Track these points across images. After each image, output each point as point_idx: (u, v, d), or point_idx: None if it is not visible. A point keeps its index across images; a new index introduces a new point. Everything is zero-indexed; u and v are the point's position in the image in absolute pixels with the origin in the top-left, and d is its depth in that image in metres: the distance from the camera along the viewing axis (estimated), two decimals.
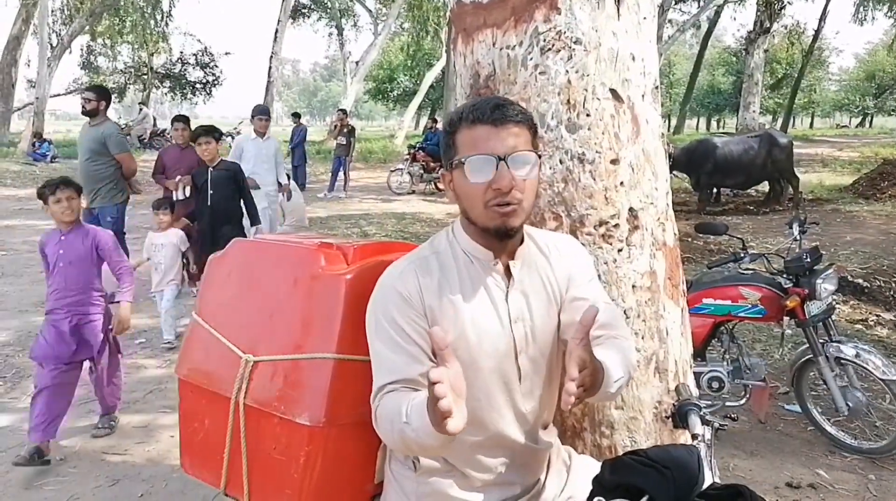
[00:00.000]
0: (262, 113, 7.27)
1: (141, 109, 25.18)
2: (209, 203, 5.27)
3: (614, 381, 1.34)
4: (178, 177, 5.86)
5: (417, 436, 1.25)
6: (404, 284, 1.41)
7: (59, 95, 30.57)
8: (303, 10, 34.10)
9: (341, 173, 14.47)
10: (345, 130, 14.56)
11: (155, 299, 5.31)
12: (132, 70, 34.53)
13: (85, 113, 5.90)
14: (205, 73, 36.14)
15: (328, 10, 35.43)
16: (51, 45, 23.73)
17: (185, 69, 35.90)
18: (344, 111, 16.11)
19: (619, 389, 1.39)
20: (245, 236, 4.67)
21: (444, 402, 1.06)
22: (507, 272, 1.47)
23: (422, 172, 14.90)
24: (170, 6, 30.32)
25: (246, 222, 5.70)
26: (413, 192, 14.94)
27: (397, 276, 1.43)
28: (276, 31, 25.33)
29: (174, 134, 6.46)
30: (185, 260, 5.31)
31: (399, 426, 1.28)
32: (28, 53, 24.52)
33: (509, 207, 1.35)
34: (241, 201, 5.46)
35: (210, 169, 5.36)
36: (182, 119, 6.48)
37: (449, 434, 1.12)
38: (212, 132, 5.38)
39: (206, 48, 36.09)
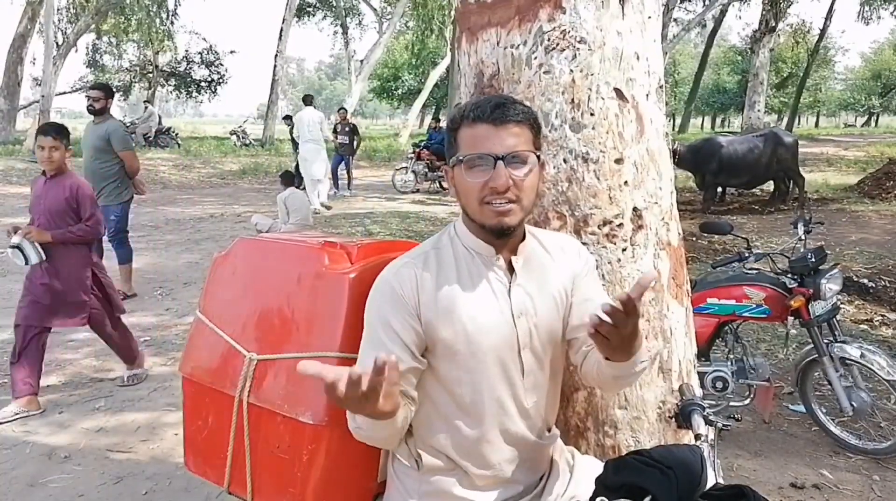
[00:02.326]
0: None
1: (146, 108, 25.21)
2: None
3: (641, 361, 1.34)
4: (16, 229, 3.83)
5: (368, 434, 1.34)
6: (400, 280, 1.43)
7: (64, 93, 30.62)
8: (308, 9, 34.14)
9: (343, 172, 14.42)
10: (346, 129, 14.34)
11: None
12: (137, 68, 34.64)
13: (93, 112, 5.90)
14: (210, 71, 36.24)
15: (333, 9, 35.48)
16: (56, 43, 23.78)
17: (191, 68, 36.01)
18: (344, 109, 15.59)
19: (642, 371, 1.40)
20: None
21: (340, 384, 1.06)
22: (510, 268, 1.47)
23: (426, 170, 14.89)
24: (175, 4, 30.38)
25: None
26: (417, 190, 14.93)
27: (395, 272, 1.45)
28: (281, 30, 25.36)
29: (37, 153, 4.02)
30: None
31: (353, 429, 1.37)
32: (34, 51, 24.64)
33: (505, 205, 1.37)
34: None
35: None
36: (51, 131, 3.98)
37: (380, 415, 1.16)
38: None
39: (211, 47, 36.19)
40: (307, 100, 12.48)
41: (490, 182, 1.35)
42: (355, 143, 14.65)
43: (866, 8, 31.63)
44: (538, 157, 1.41)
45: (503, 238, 1.44)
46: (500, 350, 1.44)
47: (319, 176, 11.79)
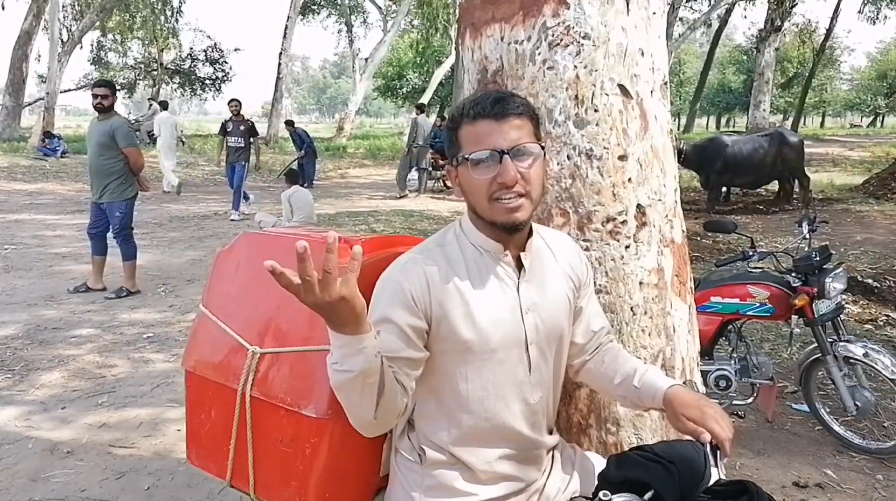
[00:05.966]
0: None
1: (150, 105, 25.28)
2: None
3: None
4: None
5: (342, 367, 1.22)
6: (408, 278, 1.41)
7: (69, 90, 30.72)
8: (312, 7, 34.11)
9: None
10: (240, 128, 10.82)
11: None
12: (142, 66, 34.70)
13: (100, 109, 5.91)
14: (214, 69, 36.30)
15: (338, 7, 35.46)
16: (61, 40, 23.88)
17: (195, 65, 36.07)
18: (237, 101, 11.26)
19: None
20: None
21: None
22: (518, 264, 1.47)
23: (430, 169, 14.87)
24: (179, 2, 30.49)
25: None
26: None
27: (402, 270, 1.43)
28: (286, 28, 25.41)
29: None
30: None
31: (330, 365, 1.25)
32: (39, 49, 24.74)
33: (516, 201, 1.36)
34: None
35: None
36: None
37: (334, 315, 1.19)
38: None
39: (215, 44, 36.29)
40: (164, 105, 14.91)
41: (498, 177, 1.34)
42: (252, 148, 11.07)
43: (871, 7, 31.54)
44: (542, 147, 1.41)
45: (513, 234, 1.43)
46: (508, 346, 1.44)
47: (172, 166, 14.14)
